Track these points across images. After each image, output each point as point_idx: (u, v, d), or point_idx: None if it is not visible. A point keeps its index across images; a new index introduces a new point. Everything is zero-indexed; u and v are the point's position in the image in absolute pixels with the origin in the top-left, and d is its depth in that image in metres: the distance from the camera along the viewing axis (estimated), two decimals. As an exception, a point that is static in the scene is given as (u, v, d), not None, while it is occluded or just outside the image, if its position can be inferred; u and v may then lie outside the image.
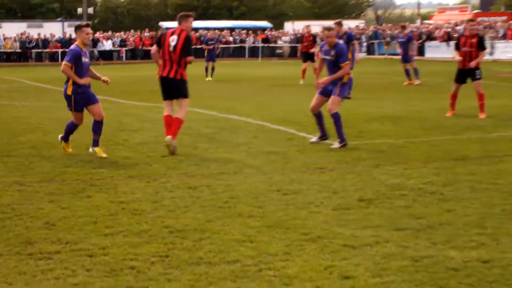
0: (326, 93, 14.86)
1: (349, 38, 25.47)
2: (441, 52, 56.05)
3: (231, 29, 71.97)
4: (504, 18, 68.53)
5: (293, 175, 11.86)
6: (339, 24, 25.58)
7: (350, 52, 23.46)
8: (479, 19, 67.25)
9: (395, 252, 7.66)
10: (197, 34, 62.82)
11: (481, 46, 18.81)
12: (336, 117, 14.63)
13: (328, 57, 14.76)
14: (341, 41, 16.47)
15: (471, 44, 18.82)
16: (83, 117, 13.98)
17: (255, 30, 72.55)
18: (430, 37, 61.52)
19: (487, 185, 10.71)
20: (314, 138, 15.22)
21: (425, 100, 23.60)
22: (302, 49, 33.77)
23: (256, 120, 18.96)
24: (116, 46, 65.34)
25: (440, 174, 11.62)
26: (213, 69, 37.75)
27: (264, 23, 78.70)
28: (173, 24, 24.33)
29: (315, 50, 31.73)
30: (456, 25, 62.03)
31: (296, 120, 18.72)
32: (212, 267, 7.29)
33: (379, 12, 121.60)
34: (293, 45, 66.70)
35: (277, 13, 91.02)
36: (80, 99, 13.71)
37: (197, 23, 72.72)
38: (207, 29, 70.05)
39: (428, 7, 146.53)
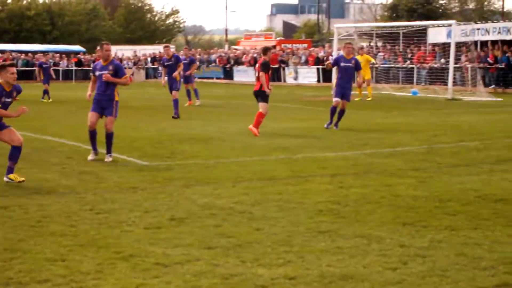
0: (100, 110, 15.67)
1: (177, 60, 27.28)
2: (248, 76, 56.87)
3: (44, 53, 70.67)
4: (305, 45, 70.59)
5: (106, 195, 11.68)
6: (168, 47, 28.82)
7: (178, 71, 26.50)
8: (283, 45, 68.88)
9: (206, 270, 7.65)
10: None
11: (264, 69, 19.87)
12: (112, 135, 15.48)
13: (105, 72, 15.60)
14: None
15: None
16: None
17: (68, 53, 71.51)
18: (238, 61, 62.50)
19: (294, 204, 10.89)
20: (91, 156, 15.59)
21: (234, 122, 23.86)
22: None
23: (69, 141, 18.63)
24: None
25: (249, 193, 11.72)
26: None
27: (77, 47, 77.73)
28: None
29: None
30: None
31: (109, 140, 18.46)
32: (22, 287, 7.04)
33: (189, 37, 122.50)
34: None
35: (89, 38, 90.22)
36: None
37: (9, 46, 71.12)
38: (20, 52, 68.55)
39: (236, 33, 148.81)
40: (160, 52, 69.34)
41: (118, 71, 15.75)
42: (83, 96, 38.32)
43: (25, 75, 59.82)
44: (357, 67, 21.89)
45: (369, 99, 35.81)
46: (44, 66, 38.03)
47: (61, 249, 8.44)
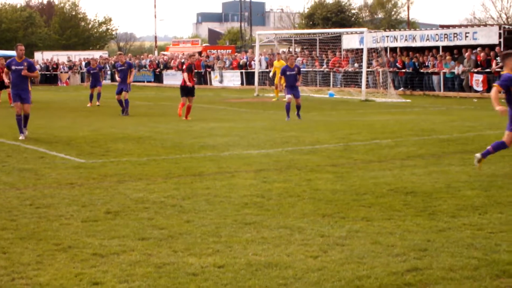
0: (20, 99, 18.69)
1: (129, 65, 29.13)
2: (177, 79, 56.40)
3: (-17, 58, 69.61)
4: (229, 51, 70.58)
5: (45, 190, 11.51)
6: (121, 55, 31.46)
7: (130, 77, 28.43)
8: (208, 51, 68.75)
9: (140, 259, 7.59)
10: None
11: (187, 70, 24.73)
12: (29, 115, 19.12)
13: (21, 67, 18.65)
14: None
15: None
16: None
17: (6, 58, 70.23)
18: (167, 66, 62.23)
19: (221, 198, 10.88)
20: (21, 137, 18.48)
21: (164, 122, 23.73)
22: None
23: (9, 140, 18.30)
24: None
25: (179, 188, 11.68)
26: None
27: (14, 53, 76.27)
28: None
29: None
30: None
31: (46, 140, 18.29)
32: (-35, 278, 6.89)
33: (121, 44, 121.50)
34: (43, 72, 66.90)
35: (26, 44, 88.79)
36: None
37: None
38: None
39: (165, 40, 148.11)
40: (93, 57, 69.25)
41: (31, 67, 18.90)
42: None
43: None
44: (299, 72, 24.94)
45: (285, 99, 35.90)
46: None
47: (2, 242, 8.30)
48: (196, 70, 27.16)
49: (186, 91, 24.78)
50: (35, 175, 13.07)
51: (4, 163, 14.46)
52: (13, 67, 18.64)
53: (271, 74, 38.18)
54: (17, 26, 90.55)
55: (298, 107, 24.87)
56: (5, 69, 19.72)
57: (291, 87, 24.67)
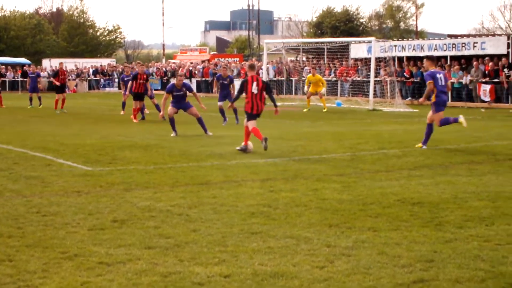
0: None
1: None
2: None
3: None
4: (237, 59, 70.66)
5: (52, 198, 11.52)
6: (142, 65, 31.15)
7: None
8: (216, 59, 68.87)
9: (146, 268, 7.59)
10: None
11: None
12: None
13: None
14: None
15: None
16: None
17: (14, 65, 70.42)
18: (174, 74, 62.35)
19: (228, 207, 10.88)
20: None
21: (171, 130, 23.72)
22: (59, 81, 36.04)
23: (16, 148, 18.33)
24: None
25: (186, 197, 11.68)
26: None
27: (23, 60, 76.55)
28: None
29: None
30: (197, 64, 63.39)
31: (54, 148, 18.30)
32: (-29, 286, 6.90)
33: (129, 51, 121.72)
34: (51, 79, 66.66)
35: (35, 51, 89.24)
36: None
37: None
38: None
39: (172, 48, 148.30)
40: (101, 65, 69.80)
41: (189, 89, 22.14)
42: (28, 105, 37.49)
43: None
44: (231, 81, 27.13)
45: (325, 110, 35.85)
46: (30, 75, 40.25)
47: (8, 249, 8.30)
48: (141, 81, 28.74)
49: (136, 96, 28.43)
50: (42, 182, 13.09)
51: (11, 171, 14.49)
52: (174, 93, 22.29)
53: (306, 88, 38.02)
54: (25, 33, 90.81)
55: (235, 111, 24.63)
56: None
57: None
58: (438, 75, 18.31)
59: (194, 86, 56.12)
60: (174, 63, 70.39)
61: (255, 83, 17.90)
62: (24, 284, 7.02)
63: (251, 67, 18.80)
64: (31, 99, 39.28)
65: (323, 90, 36.43)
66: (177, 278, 7.28)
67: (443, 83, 18.30)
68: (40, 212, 10.40)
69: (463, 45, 41.67)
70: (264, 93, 18.08)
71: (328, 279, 7.21)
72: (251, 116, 17.98)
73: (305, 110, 35.88)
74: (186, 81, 56.61)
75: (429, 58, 19.29)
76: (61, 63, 37.38)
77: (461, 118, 18.27)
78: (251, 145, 17.70)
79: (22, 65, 72.48)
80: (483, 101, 38.67)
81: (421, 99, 19.01)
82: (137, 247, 8.46)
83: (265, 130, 21.85)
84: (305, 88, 38.24)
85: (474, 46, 40.99)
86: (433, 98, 18.35)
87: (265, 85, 18.17)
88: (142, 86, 28.74)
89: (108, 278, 7.23)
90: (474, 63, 39.37)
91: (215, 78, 28.14)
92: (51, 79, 41.54)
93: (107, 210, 10.61)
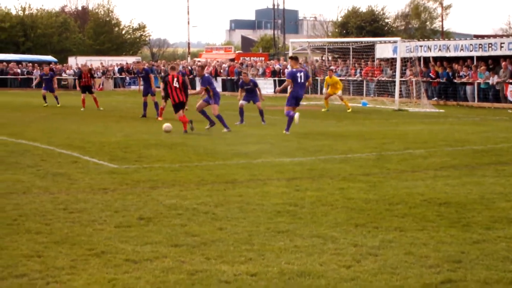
0: None
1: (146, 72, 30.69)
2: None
3: (18, 62, 70.27)
4: (262, 58, 70.63)
5: (78, 195, 11.60)
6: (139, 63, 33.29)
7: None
8: (241, 58, 68.87)
9: (173, 266, 7.62)
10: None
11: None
12: None
13: None
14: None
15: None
16: None
17: (40, 63, 70.92)
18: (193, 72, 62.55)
19: (254, 205, 10.88)
20: None
21: (197, 129, 23.77)
22: (81, 83, 36.23)
23: (43, 145, 18.45)
24: None
25: (212, 195, 11.70)
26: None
27: (49, 57, 77.07)
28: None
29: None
30: (223, 63, 63.43)
31: (79, 145, 18.39)
32: (0, 282, 6.95)
33: (154, 49, 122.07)
34: (76, 78, 67.27)
35: (61, 49, 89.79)
36: None
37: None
38: (-4, 61, 68.03)
39: (198, 46, 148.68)
40: (127, 63, 70.01)
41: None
42: (54, 103, 37.83)
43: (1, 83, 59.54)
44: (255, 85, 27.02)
45: (349, 110, 35.44)
46: (44, 77, 39.94)
47: (36, 246, 8.36)
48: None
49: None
50: (68, 179, 13.17)
51: (39, 167, 14.59)
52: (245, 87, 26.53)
53: (324, 90, 37.92)
54: (52, 31, 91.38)
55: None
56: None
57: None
58: (298, 74, 21.91)
59: (219, 85, 56.23)
60: (199, 61, 70.50)
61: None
62: (53, 280, 7.08)
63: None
64: (44, 97, 38.86)
65: (339, 92, 36.26)
66: (203, 276, 7.29)
67: (302, 81, 21.87)
68: (67, 209, 10.47)
69: (490, 45, 41.37)
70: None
71: (355, 279, 7.19)
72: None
73: (323, 110, 35.80)
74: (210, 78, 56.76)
75: (292, 58, 23.50)
76: (83, 65, 37.76)
77: (296, 115, 21.43)
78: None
79: (49, 62, 72.98)
80: (511, 102, 38.39)
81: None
82: (164, 245, 8.48)
83: (291, 129, 21.86)
84: (324, 90, 38.21)
85: (502, 47, 40.67)
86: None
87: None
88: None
89: (135, 276, 7.27)
90: (503, 63, 39.04)
91: (239, 86, 27.92)
92: (76, 80, 41.50)
93: (133, 208, 10.66)
